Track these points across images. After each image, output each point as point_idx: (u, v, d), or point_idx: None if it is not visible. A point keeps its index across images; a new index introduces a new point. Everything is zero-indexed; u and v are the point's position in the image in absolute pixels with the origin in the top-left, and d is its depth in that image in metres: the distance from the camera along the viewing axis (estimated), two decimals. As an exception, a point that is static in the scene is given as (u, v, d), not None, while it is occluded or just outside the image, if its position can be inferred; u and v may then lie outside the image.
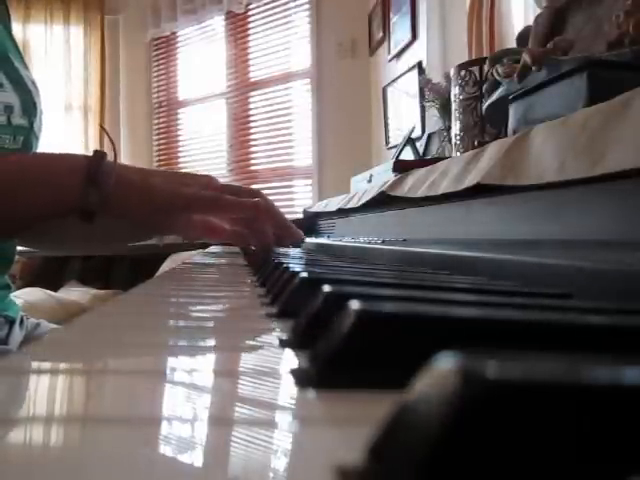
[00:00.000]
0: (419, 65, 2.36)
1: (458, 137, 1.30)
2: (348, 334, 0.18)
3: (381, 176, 1.44)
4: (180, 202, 0.64)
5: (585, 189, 0.41)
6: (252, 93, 3.66)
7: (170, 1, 3.80)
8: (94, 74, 3.90)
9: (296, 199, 3.49)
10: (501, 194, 0.55)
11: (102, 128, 0.74)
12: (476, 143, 1.17)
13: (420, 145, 2.18)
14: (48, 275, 2.47)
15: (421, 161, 1.46)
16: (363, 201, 1.10)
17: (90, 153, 0.62)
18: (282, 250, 0.79)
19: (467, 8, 2.08)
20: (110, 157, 0.62)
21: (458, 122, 1.30)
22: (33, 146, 0.80)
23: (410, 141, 2.01)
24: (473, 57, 1.88)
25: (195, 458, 0.13)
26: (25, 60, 0.83)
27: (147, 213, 0.64)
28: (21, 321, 0.84)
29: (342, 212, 1.38)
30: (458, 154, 1.26)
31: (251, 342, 0.26)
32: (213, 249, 1.53)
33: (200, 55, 3.88)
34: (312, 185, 3.37)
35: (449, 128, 1.64)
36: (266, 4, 3.53)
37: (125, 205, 0.62)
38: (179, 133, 4.02)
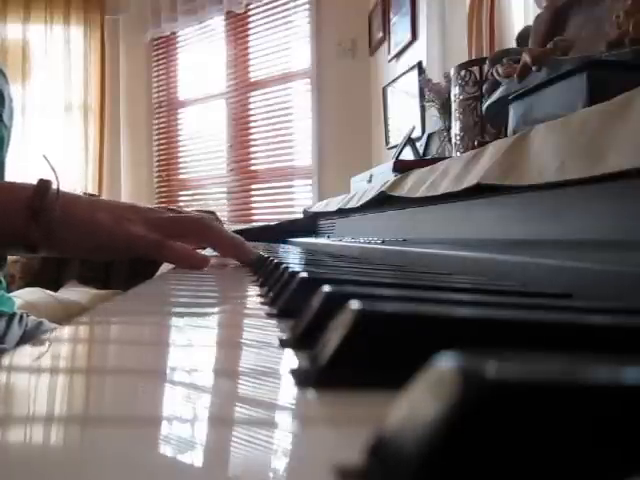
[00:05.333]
0: (419, 65, 2.36)
1: (458, 137, 1.30)
2: (348, 334, 0.18)
3: (381, 176, 1.44)
4: (122, 242, 0.63)
5: (585, 189, 0.41)
6: (252, 93, 3.66)
7: (170, 1, 3.80)
8: (94, 74, 3.90)
9: (296, 199, 3.49)
10: (501, 194, 0.55)
11: (44, 157, 0.73)
12: (476, 143, 1.17)
13: (420, 145, 2.18)
14: (48, 275, 2.46)
15: (421, 161, 1.46)
16: (363, 201, 1.10)
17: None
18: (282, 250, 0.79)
19: (467, 8, 2.08)
20: (64, 186, 0.61)
21: (458, 122, 1.30)
22: (5, 139, 0.78)
23: (410, 141, 2.01)
24: (473, 57, 1.88)
25: (195, 458, 0.13)
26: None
27: (89, 249, 0.64)
28: (20, 318, 0.84)
29: (342, 212, 1.38)
30: (458, 154, 1.26)
31: (251, 342, 0.26)
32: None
33: (200, 55, 3.88)
34: (312, 185, 3.37)
35: (449, 128, 1.64)
36: (266, 4, 3.53)
37: (67, 241, 0.62)
38: (179, 133, 4.01)
